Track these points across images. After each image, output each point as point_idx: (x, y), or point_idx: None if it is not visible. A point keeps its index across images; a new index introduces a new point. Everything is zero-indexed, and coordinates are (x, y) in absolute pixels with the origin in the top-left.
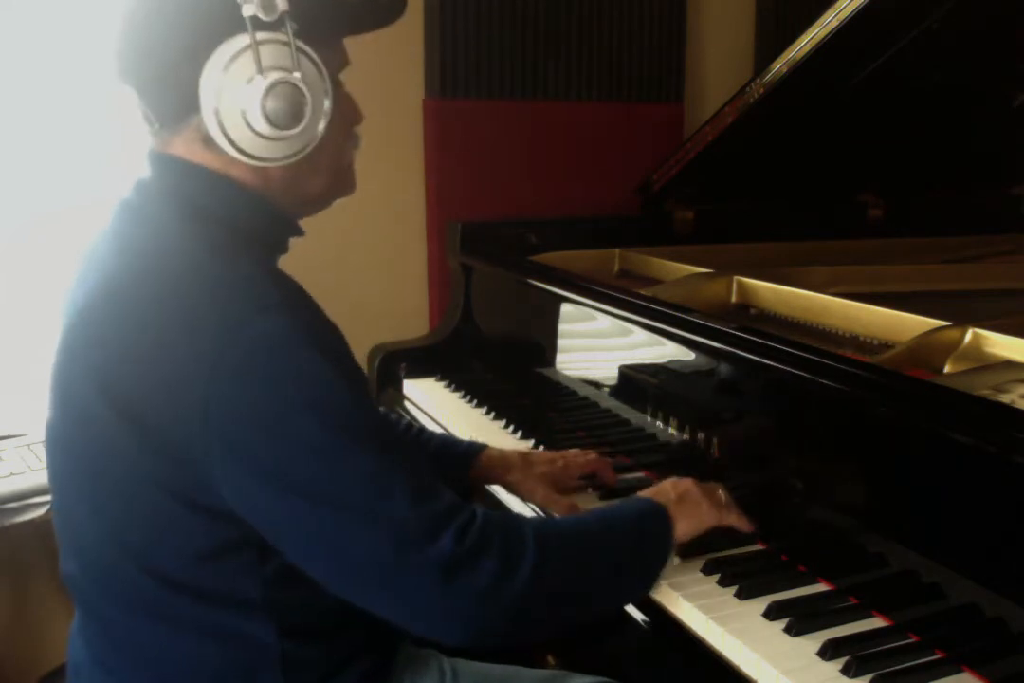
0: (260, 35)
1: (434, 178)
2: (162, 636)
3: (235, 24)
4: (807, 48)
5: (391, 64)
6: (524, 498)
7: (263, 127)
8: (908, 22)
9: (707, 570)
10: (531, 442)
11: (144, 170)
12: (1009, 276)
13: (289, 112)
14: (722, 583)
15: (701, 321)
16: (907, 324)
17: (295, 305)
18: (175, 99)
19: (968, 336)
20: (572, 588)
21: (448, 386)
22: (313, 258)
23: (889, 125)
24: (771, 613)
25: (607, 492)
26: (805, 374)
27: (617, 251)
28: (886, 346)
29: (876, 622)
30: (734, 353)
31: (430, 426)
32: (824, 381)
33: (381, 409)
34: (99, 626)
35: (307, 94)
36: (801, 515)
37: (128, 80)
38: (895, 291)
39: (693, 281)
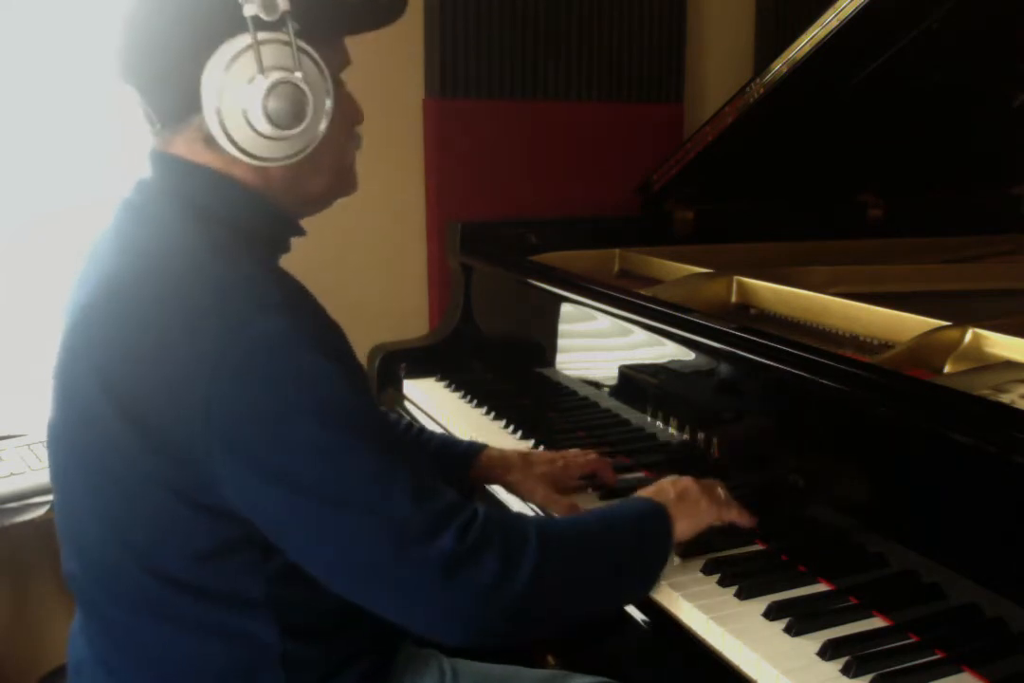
0: (261, 35)
1: (434, 178)
2: (164, 635)
3: (236, 24)
4: (807, 48)
5: (391, 64)
6: (524, 498)
7: (264, 127)
8: (908, 22)
9: (707, 570)
10: (531, 442)
11: (145, 170)
12: (1009, 276)
13: (290, 112)
14: (722, 583)
15: (701, 321)
16: (907, 324)
17: (297, 305)
18: (176, 99)
19: (968, 336)
20: (572, 588)
21: (448, 386)
22: (313, 258)
23: (889, 125)
24: (771, 613)
25: (607, 492)
26: (805, 374)
27: (617, 251)
28: (886, 346)
29: (876, 622)
30: (734, 353)
31: (430, 426)
32: (824, 381)
33: (381, 409)
34: (101, 625)
35: (308, 94)
36: (801, 515)
37: (129, 80)
38: (895, 291)
39: (693, 281)
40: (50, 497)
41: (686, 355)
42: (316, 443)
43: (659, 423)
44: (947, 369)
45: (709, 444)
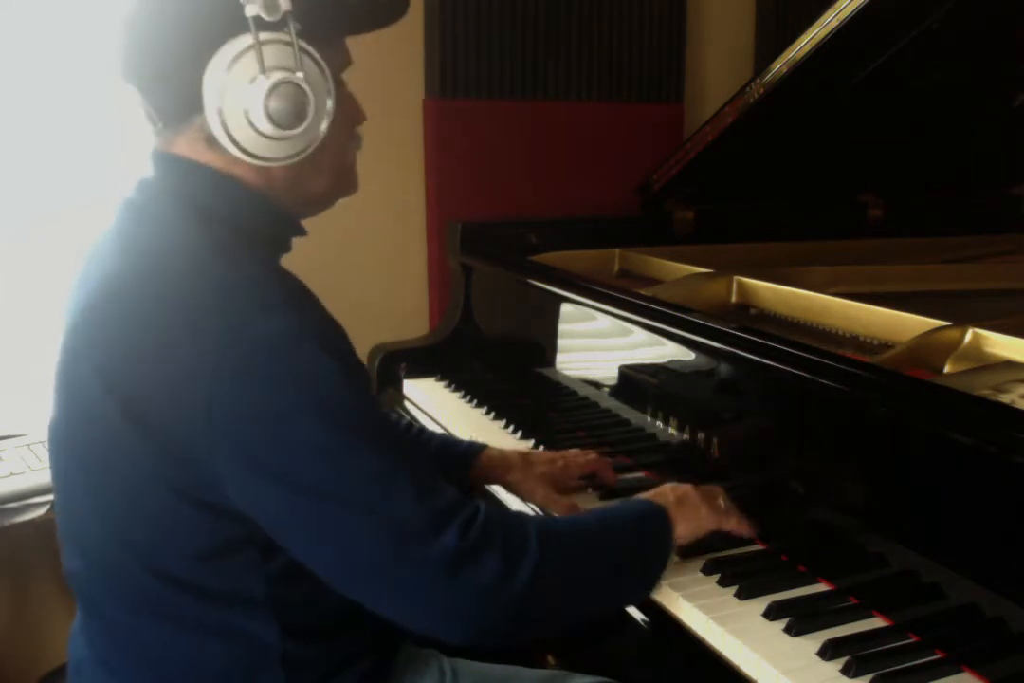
0: (263, 35)
1: (434, 178)
2: (165, 635)
3: (238, 24)
4: (807, 48)
5: (391, 64)
6: (524, 498)
7: (266, 127)
8: (908, 22)
9: (707, 570)
10: (531, 442)
11: (147, 169)
12: (1009, 276)
13: (292, 112)
14: (722, 583)
15: (701, 321)
16: (907, 324)
17: (298, 304)
18: (178, 99)
19: (968, 336)
20: (572, 587)
21: (448, 386)
22: (313, 258)
23: (889, 125)
24: (771, 613)
25: (607, 492)
26: (805, 374)
27: (617, 251)
28: (886, 346)
29: (876, 622)
30: (734, 353)
31: (430, 426)
32: (824, 381)
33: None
34: (101, 625)
35: (310, 94)
36: (801, 515)
37: (131, 80)
38: (895, 291)
39: (693, 281)
40: (50, 497)
41: (686, 355)
42: (317, 443)
43: (659, 423)
44: (947, 369)
45: (709, 444)
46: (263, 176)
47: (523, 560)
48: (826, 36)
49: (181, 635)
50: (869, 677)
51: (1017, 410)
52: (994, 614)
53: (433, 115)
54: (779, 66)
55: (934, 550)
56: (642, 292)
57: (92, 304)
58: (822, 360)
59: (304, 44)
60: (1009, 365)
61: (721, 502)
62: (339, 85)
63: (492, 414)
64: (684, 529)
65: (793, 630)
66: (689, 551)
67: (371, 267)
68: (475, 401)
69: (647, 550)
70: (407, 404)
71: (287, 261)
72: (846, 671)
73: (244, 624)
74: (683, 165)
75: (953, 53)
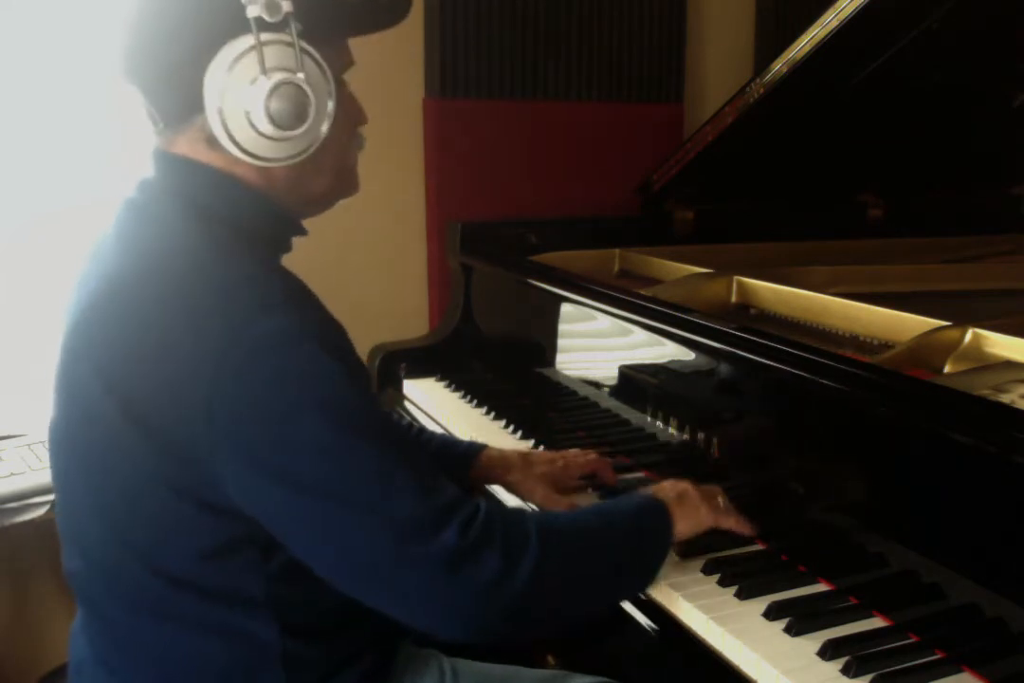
0: (264, 36)
1: (434, 178)
2: (166, 635)
3: (239, 25)
4: (807, 48)
5: (391, 64)
6: (524, 498)
7: (267, 127)
8: (908, 22)
9: (707, 570)
10: (531, 442)
11: (148, 169)
12: (1009, 276)
13: (293, 113)
14: (722, 583)
15: (701, 321)
16: (907, 324)
17: (299, 304)
18: (179, 99)
19: (968, 336)
20: (572, 584)
21: (448, 386)
22: (313, 258)
23: (889, 125)
24: (771, 613)
25: (607, 492)
26: (805, 374)
27: (617, 251)
28: (886, 346)
29: (876, 622)
30: (734, 353)
31: (430, 426)
32: (824, 381)
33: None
34: (102, 625)
35: (311, 95)
36: (801, 515)
37: (132, 80)
38: (895, 291)
39: (693, 281)
40: (50, 497)
41: (686, 355)
42: (318, 442)
43: (659, 423)
44: (947, 369)
45: (709, 444)
46: (264, 176)
47: (523, 558)
48: (826, 36)
49: (181, 635)
50: (869, 677)
51: (1017, 410)
52: (994, 614)
53: (433, 115)
54: (779, 66)
55: (934, 550)
56: (642, 292)
57: (92, 304)
58: (822, 360)
59: (305, 45)
60: (1009, 365)
61: (720, 501)
62: (340, 86)
63: (492, 414)
64: (683, 525)
65: (793, 630)
66: (689, 551)
67: (371, 267)
68: (475, 401)
69: (647, 545)
70: (407, 404)
71: (287, 261)
72: (846, 671)
73: (244, 624)
74: (683, 165)
75: (953, 53)
